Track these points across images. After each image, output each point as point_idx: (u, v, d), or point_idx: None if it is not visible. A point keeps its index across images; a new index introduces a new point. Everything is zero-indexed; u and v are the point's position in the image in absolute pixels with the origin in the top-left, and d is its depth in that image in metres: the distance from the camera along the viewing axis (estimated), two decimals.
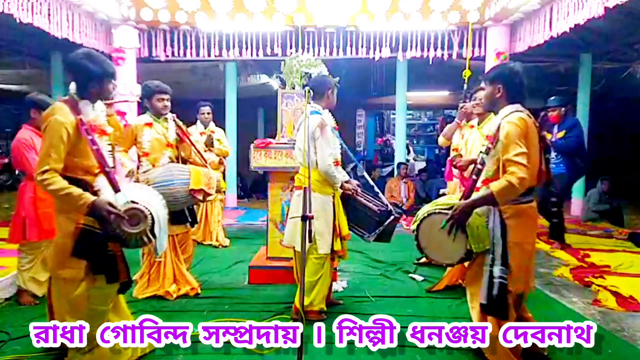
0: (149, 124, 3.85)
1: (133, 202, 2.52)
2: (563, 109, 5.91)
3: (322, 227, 3.42)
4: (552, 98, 6.07)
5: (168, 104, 3.91)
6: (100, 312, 2.65)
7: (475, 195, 2.63)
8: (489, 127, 3.76)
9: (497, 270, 2.55)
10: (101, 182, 2.62)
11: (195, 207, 4.14)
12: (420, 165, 13.01)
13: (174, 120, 3.95)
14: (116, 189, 2.57)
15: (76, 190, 2.45)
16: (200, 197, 3.60)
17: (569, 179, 6.02)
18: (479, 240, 2.62)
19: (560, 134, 5.81)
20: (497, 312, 2.58)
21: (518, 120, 2.52)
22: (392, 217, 3.45)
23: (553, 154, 5.74)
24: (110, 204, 2.48)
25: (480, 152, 2.71)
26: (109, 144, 2.78)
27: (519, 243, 2.59)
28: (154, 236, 2.56)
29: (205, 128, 5.86)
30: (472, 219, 2.61)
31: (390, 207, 3.51)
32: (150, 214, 2.53)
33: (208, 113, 5.87)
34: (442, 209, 2.72)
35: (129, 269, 2.76)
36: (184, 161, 3.97)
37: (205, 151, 5.63)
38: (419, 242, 2.78)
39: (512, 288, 2.58)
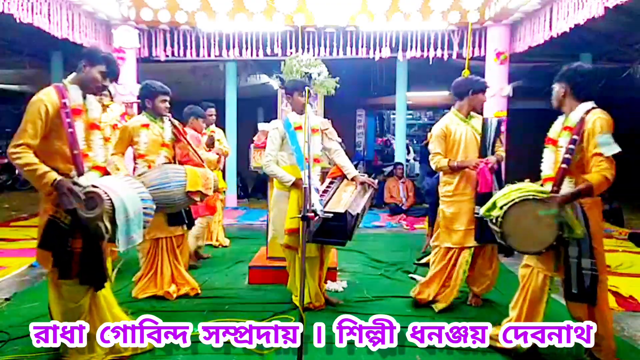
0: (146, 125, 3.82)
1: (93, 186, 2.47)
2: None
3: (275, 219, 3.70)
4: None
5: (169, 105, 3.91)
6: (71, 309, 2.63)
7: (566, 188, 2.65)
8: (477, 120, 3.75)
9: (586, 263, 2.61)
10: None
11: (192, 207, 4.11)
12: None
13: (170, 120, 3.94)
14: (80, 173, 2.58)
15: (43, 168, 2.44)
16: (198, 199, 3.55)
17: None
18: (574, 228, 2.60)
19: None
20: (587, 299, 2.67)
21: (607, 116, 2.61)
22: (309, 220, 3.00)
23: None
24: (75, 184, 2.47)
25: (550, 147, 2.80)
26: (101, 138, 2.79)
27: (597, 232, 2.68)
28: (115, 225, 2.45)
29: (205, 128, 5.88)
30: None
31: (311, 211, 2.98)
32: (110, 200, 2.43)
33: (215, 115, 5.93)
34: (534, 195, 2.65)
35: (102, 269, 2.65)
36: (179, 162, 3.95)
37: (207, 151, 5.66)
38: (502, 229, 2.66)
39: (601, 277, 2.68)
